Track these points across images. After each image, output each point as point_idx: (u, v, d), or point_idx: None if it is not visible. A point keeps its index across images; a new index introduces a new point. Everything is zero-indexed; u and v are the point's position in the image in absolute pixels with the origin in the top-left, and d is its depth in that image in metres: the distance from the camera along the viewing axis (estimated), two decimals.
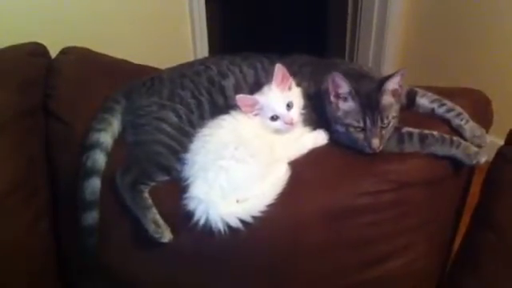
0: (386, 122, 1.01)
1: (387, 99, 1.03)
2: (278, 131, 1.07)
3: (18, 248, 1.16)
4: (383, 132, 1.02)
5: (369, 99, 1.02)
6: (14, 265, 1.16)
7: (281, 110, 1.06)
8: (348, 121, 1.03)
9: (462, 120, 1.07)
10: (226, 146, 1.02)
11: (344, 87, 1.03)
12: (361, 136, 1.02)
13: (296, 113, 1.08)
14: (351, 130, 1.03)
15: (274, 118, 1.06)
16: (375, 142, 1.00)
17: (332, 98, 1.05)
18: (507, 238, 1.04)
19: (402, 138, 1.04)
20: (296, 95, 1.09)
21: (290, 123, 1.06)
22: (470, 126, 1.06)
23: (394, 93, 1.04)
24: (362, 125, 1.01)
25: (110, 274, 1.13)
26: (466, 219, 1.18)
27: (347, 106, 1.04)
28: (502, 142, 1.09)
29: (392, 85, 1.03)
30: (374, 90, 1.03)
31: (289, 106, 1.07)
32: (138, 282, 1.11)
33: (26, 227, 1.18)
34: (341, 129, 1.05)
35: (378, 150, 1.01)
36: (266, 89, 1.10)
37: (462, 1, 2.51)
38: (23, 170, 1.18)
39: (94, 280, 1.18)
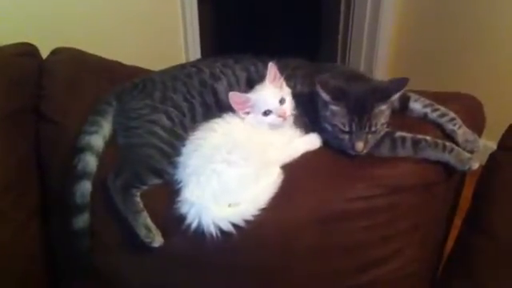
0: (373, 128, 1.01)
1: (382, 107, 1.02)
2: (271, 126, 1.07)
3: (9, 249, 1.16)
4: (369, 136, 1.02)
5: (360, 103, 1.01)
6: (4, 265, 1.14)
7: (273, 104, 1.07)
8: (335, 122, 1.03)
9: (455, 125, 1.07)
10: (218, 149, 1.01)
11: (324, 96, 1.03)
12: (346, 137, 1.03)
13: (289, 108, 1.09)
14: (337, 130, 1.03)
15: (267, 113, 1.07)
16: (359, 146, 1.01)
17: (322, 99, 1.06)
18: (499, 241, 1.04)
19: (395, 142, 1.04)
20: (287, 93, 1.10)
21: (283, 116, 1.07)
22: (462, 132, 1.06)
23: (391, 103, 1.04)
24: (347, 128, 1.02)
25: (101, 276, 1.12)
26: (457, 222, 1.18)
27: (336, 108, 1.03)
28: (494, 146, 1.09)
29: (395, 98, 1.04)
30: (370, 95, 1.01)
31: (281, 101, 1.08)
32: (129, 284, 1.11)
33: (17, 228, 1.17)
34: (328, 128, 1.05)
35: (362, 153, 1.02)
36: (258, 87, 1.10)
37: (456, 2, 2.52)
38: (14, 171, 1.18)
39: (85, 282, 1.17)
